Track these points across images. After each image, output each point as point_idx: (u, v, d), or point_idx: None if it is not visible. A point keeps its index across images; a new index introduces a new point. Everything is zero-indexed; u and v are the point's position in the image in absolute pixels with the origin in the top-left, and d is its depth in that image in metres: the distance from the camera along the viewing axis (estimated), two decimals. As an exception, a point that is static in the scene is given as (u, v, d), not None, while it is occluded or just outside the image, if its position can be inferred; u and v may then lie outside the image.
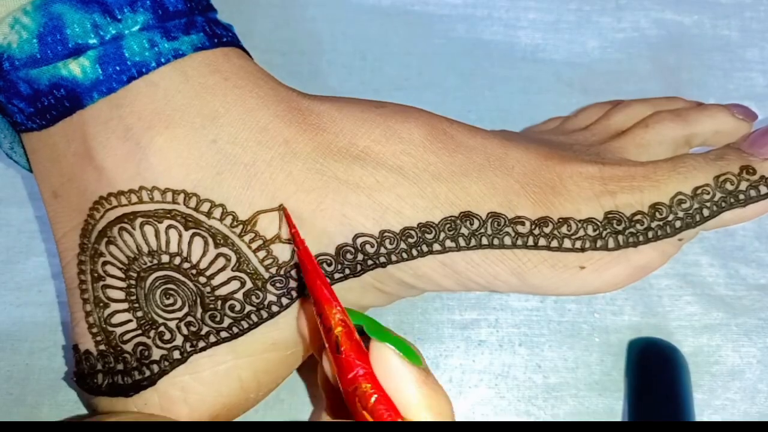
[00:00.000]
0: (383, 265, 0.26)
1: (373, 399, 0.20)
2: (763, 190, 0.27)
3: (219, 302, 0.25)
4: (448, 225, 0.26)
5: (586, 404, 0.32)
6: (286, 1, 0.40)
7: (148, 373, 0.26)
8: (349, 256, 0.26)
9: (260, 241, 0.25)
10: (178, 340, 0.26)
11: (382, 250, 0.26)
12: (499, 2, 0.41)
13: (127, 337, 0.26)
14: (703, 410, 0.32)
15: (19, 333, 0.32)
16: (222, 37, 0.27)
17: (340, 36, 0.40)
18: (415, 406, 0.20)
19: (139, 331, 0.26)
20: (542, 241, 0.27)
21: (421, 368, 0.21)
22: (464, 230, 0.26)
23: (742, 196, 0.27)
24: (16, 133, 0.28)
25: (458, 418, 0.31)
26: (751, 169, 0.27)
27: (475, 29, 0.40)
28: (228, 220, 0.25)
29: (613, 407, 0.32)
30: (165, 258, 0.25)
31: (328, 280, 0.25)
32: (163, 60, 0.25)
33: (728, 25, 0.41)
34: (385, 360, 0.20)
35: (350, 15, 0.40)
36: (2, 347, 0.32)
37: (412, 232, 0.26)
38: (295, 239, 0.24)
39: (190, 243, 0.25)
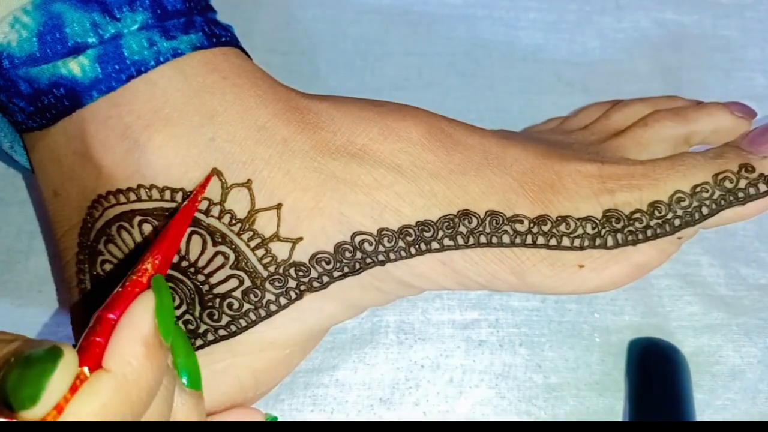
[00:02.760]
0: (382, 264, 0.26)
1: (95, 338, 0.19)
2: (762, 188, 0.27)
3: (217, 300, 0.25)
4: (447, 223, 0.26)
5: (586, 404, 0.32)
6: (287, 1, 0.40)
7: (146, 372, 0.26)
8: (347, 254, 0.26)
9: (258, 240, 0.25)
10: None
11: (381, 249, 0.26)
12: (500, 2, 0.41)
13: None
14: (704, 410, 0.31)
15: (19, 333, 0.32)
16: (221, 36, 0.27)
17: (340, 36, 0.40)
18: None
19: None
20: (541, 240, 0.26)
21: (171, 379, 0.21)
22: (462, 229, 0.26)
23: (741, 194, 0.27)
24: (17, 133, 0.28)
25: (459, 418, 0.31)
26: (750, 167, 0.27)
27: (475, 29, 0.40)
28: (226, 218, 0.25)
29: (614, 407, 0.32)
30: (163, 256, 0.25)
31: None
32: (161, 59, 0.25)
33: (728, 25, 0.41)
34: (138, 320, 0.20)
35: (350, 15, 0.40)
36: (2, 347, 0.32)
37: (411, 231, 0.26)
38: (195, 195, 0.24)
39: (188, 241, 0.25)
